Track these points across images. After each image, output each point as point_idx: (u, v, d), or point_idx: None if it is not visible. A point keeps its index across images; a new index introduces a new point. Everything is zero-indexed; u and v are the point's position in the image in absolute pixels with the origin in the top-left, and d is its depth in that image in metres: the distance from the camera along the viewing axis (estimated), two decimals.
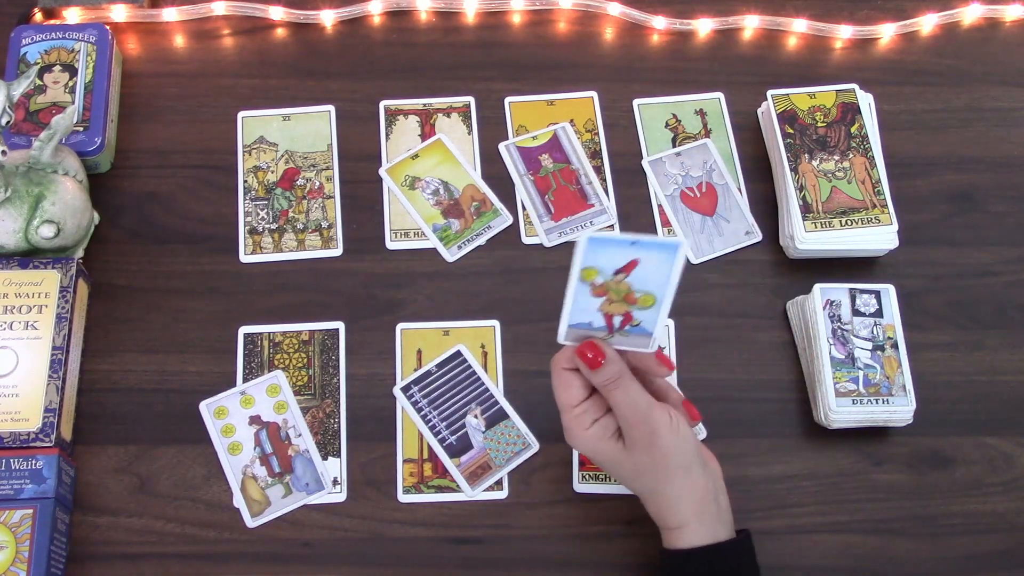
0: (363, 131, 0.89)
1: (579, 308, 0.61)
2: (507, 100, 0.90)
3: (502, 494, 0.77)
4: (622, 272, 0.60)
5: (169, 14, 0.92)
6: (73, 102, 0.85)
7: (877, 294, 0.80)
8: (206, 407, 0.78)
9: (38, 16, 0.90)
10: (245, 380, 0.79)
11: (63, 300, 0.77)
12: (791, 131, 0.85)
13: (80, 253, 0.82)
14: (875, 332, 0.78)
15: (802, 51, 0.94)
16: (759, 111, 0.90)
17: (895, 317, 0.79)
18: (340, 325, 0.81)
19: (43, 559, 0.69)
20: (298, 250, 0.84)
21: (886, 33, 0.95)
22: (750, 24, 0.94)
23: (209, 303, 0.82)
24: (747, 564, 0.67)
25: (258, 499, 0.75)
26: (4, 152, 0.74)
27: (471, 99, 0.90)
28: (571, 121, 0.89)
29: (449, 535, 0.75)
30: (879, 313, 0.79)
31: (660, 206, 0.86)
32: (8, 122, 0.74)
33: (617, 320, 0.62)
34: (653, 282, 0.60)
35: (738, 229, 0.86)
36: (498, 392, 0.79)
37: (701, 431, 0.78)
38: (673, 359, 0.81)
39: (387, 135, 0.89)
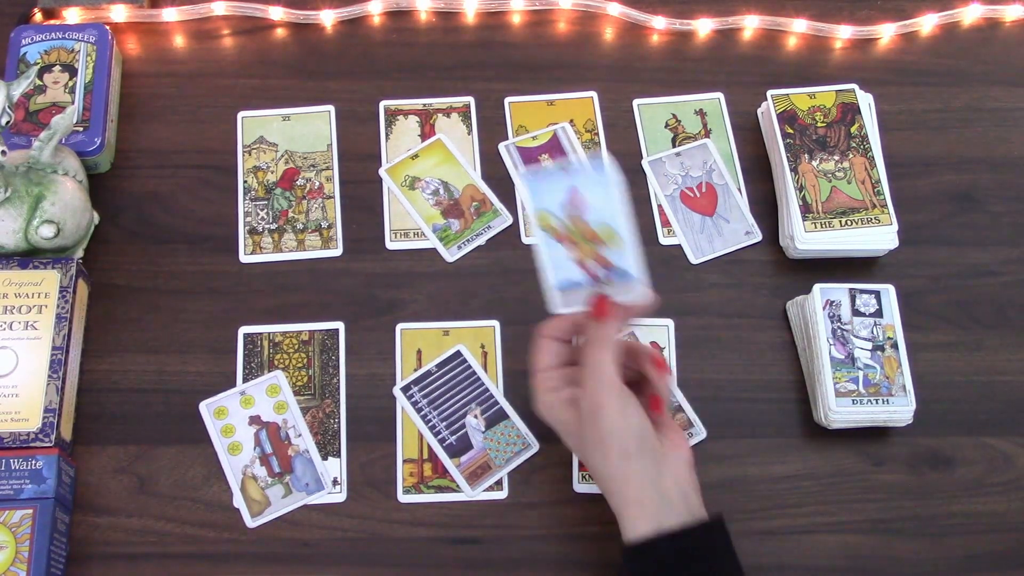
0: (363, 131, 0.89)
1: (556, 266, 0.65)
2: (507, 100, 0.90)
3: (502, 494, 0.77)
4: (570, 207, 0.62)
5: (169, 14, 0.92)
6: (73, 102, 0.85)
7: (877, 294, 0.80)
8: (206, 407, 0.78)
9: (38, 16, 0.90)
10: (245, 380, 0.79)
11: (63, 300, 0.77)
12: (791, 131, 0.85)
13: (80, 253, 0.82)
14: (875, 332, 0.78)
15: (802, 51, 0.94)
16: (759, 111, 0.90)
17: (895, 317, 0.79)
18: (340, 325, 0.81)
19: (43, 559, 0.69)
20: (298, 250, 0.84)
21: (886, 33, 0.95)
22: (750, 24, 0.94)
23: (209, 303, 0.82)
24: (696, 554, 0.64)
25: (258, 499, 0.75)
26: (4, 152, 0.74)
27: (471, 99, 0.90)
28: (571, 121, 0.89)
29: (449, 535, 0.75)
30: (879, 313, 0.79)
31: (660, 206, 0.86)
32: (8, 122, 0.74)
33: (593, 266, 0.65)
34: (604, 211, 0.63)
35: (738, 229, 0.86)
36: (498, 392, 0.79)
37: (701, 432, 0.78)
38: (673, 359, 0.80)
39: (387, 135, 0.89)
